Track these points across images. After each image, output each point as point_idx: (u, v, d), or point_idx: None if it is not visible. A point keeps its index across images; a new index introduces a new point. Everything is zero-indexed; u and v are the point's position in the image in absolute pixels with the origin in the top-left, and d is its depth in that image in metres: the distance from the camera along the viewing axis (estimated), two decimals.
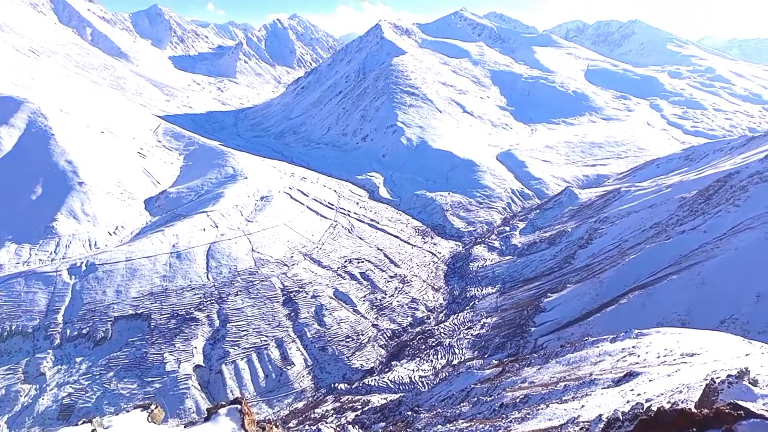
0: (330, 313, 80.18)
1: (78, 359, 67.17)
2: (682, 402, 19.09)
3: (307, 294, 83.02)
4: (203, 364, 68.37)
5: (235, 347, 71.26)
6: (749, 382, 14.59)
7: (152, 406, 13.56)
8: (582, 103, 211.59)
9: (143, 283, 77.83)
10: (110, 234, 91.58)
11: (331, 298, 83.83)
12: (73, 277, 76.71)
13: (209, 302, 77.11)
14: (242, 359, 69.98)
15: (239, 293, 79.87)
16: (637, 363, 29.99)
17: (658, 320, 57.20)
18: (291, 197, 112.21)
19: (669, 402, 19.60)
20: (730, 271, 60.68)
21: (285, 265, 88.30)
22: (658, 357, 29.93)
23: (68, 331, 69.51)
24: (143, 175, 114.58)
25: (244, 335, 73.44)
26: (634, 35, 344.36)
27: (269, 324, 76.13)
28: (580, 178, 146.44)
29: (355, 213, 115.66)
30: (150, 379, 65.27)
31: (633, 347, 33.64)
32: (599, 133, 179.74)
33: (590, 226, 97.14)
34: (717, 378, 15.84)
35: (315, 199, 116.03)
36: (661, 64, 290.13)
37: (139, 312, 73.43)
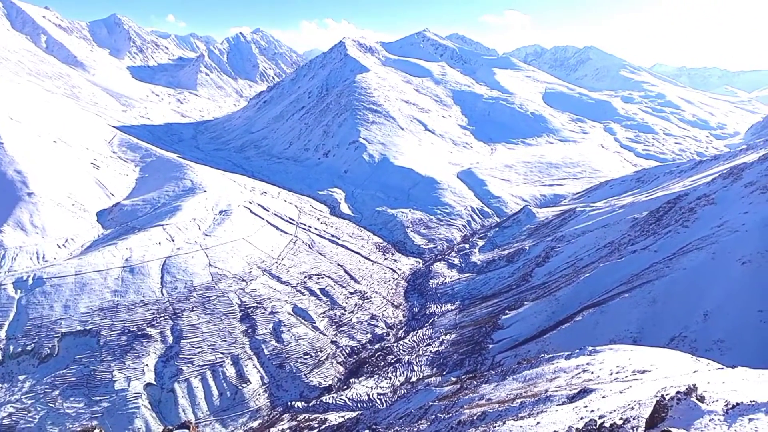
0: (288, 330, 78.99)
1: (21, 377, 63.89)
2: (633, 419, 19.48)
3: (265, 310, 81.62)
4: (155, 383, 66.08)
5: (189, 365, 69.24)
6: (697, 399, 14.98)
7: (95, 430, 12.94)
8: (540, 124, 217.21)
9: (93, 298, 75.00)
10: (60, 247, 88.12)
11: (289, 314, 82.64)
12: (18, 291, 73.29)
13: (163, 318, 74.85)
14: (196, 377, 67.99)
15: (195, 309, 77.86)
16: (591, 380, 30.52)
17: (611, 337, 58.57)
18: (251, 212, 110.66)
19: (621, 419, 19.97)
20: (679, 290, 62.83)
21: (243, 280, 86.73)
22: (611, 374, 30.54)
23: (11, 348, 66.14)
24: (96, 187, 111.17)
25: (199, 352, 71.48)
26: (589, 61, 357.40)
27: (225, 340, 74.38)
28: (537, 197, 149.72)
29: (315, 228, 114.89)
30: (98, 398, 62.62)
31: (587, 364, 34.23)
32: (556, 154, 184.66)
33: (547, 244, 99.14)
34: (667, 395, 16.21)
35: (275, 214, 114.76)
36: (615, 89, 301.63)
37: (87, 328, 70.58)
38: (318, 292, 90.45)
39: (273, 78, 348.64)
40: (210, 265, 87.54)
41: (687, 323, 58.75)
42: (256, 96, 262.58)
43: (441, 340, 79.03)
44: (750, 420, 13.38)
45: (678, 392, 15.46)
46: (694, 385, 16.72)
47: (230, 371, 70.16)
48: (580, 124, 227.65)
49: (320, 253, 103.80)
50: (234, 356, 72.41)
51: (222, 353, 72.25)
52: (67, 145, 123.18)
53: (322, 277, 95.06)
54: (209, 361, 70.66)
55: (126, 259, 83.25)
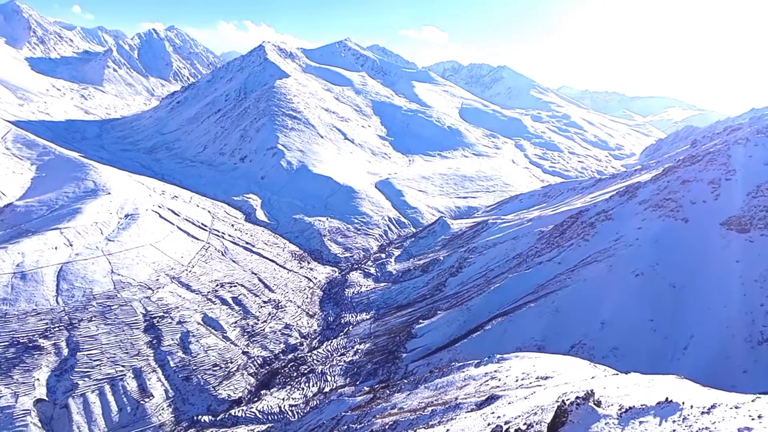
0: (197, 340, 75.76)
1: None
2: (536, 423, 20.24)
3: (172, 320, 77.86)
4: (46, 398, 61.01)
5: (86, 378, 64.59)
6: (594, 404, 15.79)
7: None
8: (456, 138, 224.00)
9: None
10: None
11: (199, 324, 79.35)
12: None
13: (57, 329, 69.43)
14: (93, 392, 63.53)
15: (93, 319, 72.88)
16: (498, 386, 31.49)
17: (518, 345, 60.99)
18: (160, 216, 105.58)
19: (525, 424, 20.70)
20: (580, 300, 66.58)
21: (149, 288, 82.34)
22: (517, 380, 31.67)
23: None
24: None
25: (97, 365, 66.90)
26: (502, 79, 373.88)
27: (127, 352, 70.11)
28: (452, 208, 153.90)
29: (229, 235, 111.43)
30: None
31: (495, 371, 35.32)
32: (471, 168, 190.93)
33: (460, 255, 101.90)
34: (567, 400, 17.00)
35: (187, 219, 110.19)
36: (526, 107, 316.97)
37: None
38: (230, 301, 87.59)
39: (188, 78, 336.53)
40: (112, 272, 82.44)
41: (586, 331, 62.37)
42: (169, 95, 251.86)
43: (355, 349, 78.87)
44: (641, 423, 14.28)
45: (577, 398, 16.26)
46: (591, 391, 17.65)
47: (131, 385, 66.16)
48: (494, 139, 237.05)
49: (234, 261, 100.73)
50: (136, 369, 68.39)
51: (123, 366, 68.03)
52: None
53: (235, 286, 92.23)
54: (108, 374, 66.30)
55: (17, 265, 76.64)
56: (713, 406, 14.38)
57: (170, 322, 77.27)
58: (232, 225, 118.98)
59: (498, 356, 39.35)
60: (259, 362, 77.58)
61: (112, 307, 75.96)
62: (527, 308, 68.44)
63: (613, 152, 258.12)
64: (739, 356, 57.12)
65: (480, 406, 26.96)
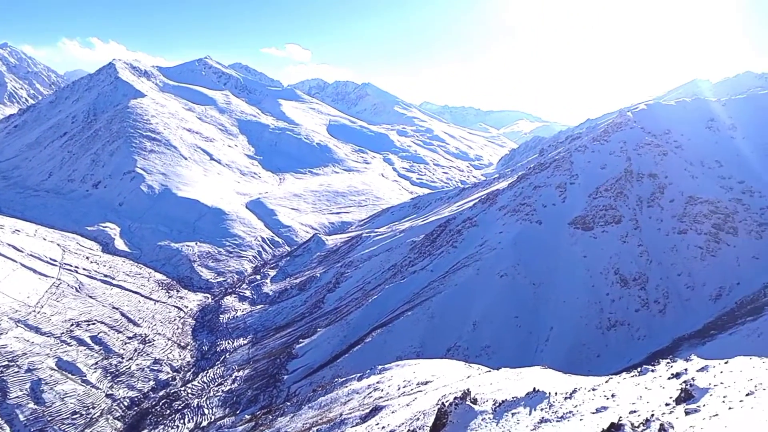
0: (51, 388, 67.84)
1: None
2: (419, 429, 20.61)
3: (19, 368, 68.99)
4: None
5: None
6: (470, 402, 16.41)
7: None
8: (326, 154, 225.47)
9: None
10: None
11: (52, 369, 71.14)
12: None
13: None
14: None
15: None
16: (381, 397, 31.75)
17: (398, 354, 62.24)
18: None
19: (409, 430, 21.02)
20: (452, 305, 69.69)
21: None
22: (399, 389, 32.17)
23: None
24: None
25: None
26: (367, 96, 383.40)
27: None
28: (326, 225, 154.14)
29: (84, 269, 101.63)
30: None
31: (377, 383, 35.61)
32: (342, 183, 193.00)
33: (337, 270, 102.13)
34: (446, 402, 17.53)
35: (32, 255, 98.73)
36: (391, 123, 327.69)
37: None
38: (89, 341, 79.68)
39: (26, 99, 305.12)
40: None
41: (460, 333, 65.35)
42: (4, 119, 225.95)
43: (234, 377, 75.58)
44: (513, 414, 15.07)
45: (455, 398, 16.84)
46: (468, 390, 18.38)
47: None
48: (363, 154, 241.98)
49: (91, 297, 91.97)
50: None
51: None
52: None
53: (94, 323, 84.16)
54: None
55: None
56: (574, 391, 15.58)
57: (17, 371, 68.45)
58: (87, 258, 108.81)
59: (380, 367, 39.74)
60: (125, 404, 71.39)
61: None
62: (404, 317, 70.18)
63: (473, 162, 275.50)
64: (592, 342, 63.23)
65: (365, 419, 26.96)
